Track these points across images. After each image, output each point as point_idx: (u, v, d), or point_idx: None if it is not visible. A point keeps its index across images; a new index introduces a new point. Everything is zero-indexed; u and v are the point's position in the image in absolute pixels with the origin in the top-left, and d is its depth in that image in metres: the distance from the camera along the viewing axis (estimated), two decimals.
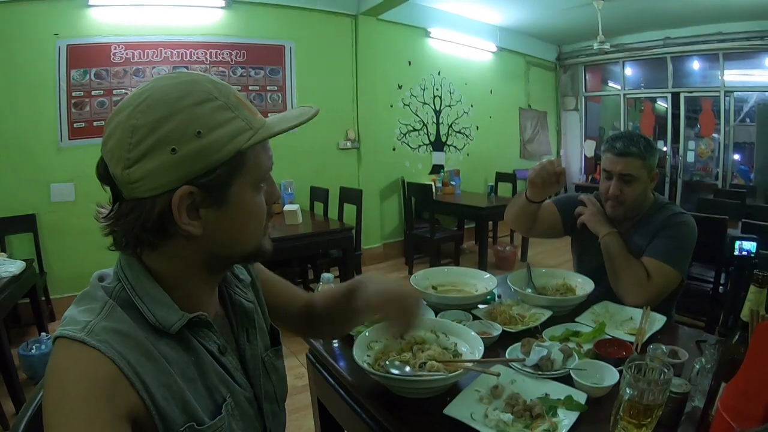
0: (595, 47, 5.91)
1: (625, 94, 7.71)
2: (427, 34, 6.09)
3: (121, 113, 0.69)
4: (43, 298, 3.98)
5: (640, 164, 1.72)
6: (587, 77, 8.15)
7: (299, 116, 0.77)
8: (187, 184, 0.68)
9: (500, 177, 6.61)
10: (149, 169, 0.67)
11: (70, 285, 4.36)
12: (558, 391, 1.06)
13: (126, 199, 0.70)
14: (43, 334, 3.39)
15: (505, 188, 6.51)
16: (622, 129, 7.63)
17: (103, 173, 0.72)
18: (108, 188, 0.73)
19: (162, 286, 0.74)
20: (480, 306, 1.62)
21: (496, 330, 1.39)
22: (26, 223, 4.23)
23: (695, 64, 6.98)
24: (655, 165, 1.76)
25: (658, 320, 1.45)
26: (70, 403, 0.61)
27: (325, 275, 1.51)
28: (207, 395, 0.76)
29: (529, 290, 1.68)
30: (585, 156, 8.04)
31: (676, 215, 1.77)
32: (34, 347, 3.22)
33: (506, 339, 1.35)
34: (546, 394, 1.05)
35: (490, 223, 5.98)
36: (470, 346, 1.22)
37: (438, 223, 5.49)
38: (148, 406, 0.66)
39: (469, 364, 1.12)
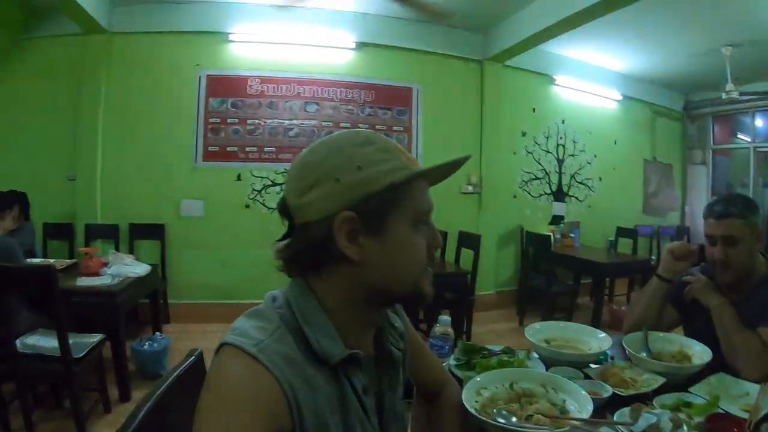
0: (723, 96, 5.56)
1: (755, 147, 7.16)
2: (552, 81, 6.03)
3: (300, 156, 0.83)
4: (162, 302, 4.31)
5: (740, 224, 1.66)
6: (715, 128, 7.65)
7: (450, 159, 0.84)
8: (348, 210, 0.76)
9: (621, 232, 6.30)
10: (317, 195, 0.77)
11: (188, 293, 4.75)
12: None
13: (297, 226, 0.81)
14: (157, 333, 3.71)
15: (625, 244, 6.18)
16: (750, 185, 7.09)
17: (282, 208, 0.84)
18: (286, 222, 0.85)
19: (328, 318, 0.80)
20: (592, 365, 1.57)
21: (607, 391, 1.34)
22: (156, 232, 4.67)
23: None
24: (758, 223, 1.69)
25: None
26: (231, 407, 0.66)
27: (443, 318, 1.57)
28: (344, 431, 0.79)
29: (644, 354, 1.60)
30: None
31: None
32: (147, 344, 3.48)
33: (616, 402, 1.30)
34: None
35: (608, 279, 5.69)
36: (579, 404, 1.18)
37: (554, 275, 5.28)
38: (296, 428, 0.70)
39: (576, 422, 1.09)
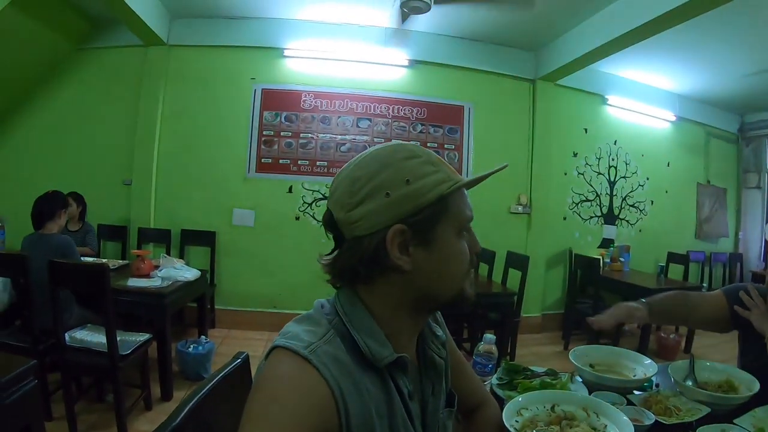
0: None
1: None
2: (604, 101, 5.94)
3: (345, 170, 0.85)
4: (209, 307, 4.42)
5: None
6: None
7: (489, 170, 0.87)
8: (399, 223, 0.79)
9: (671, 257, 6.09)
10: (368, 210, 0.79)
11: (234, 300, 4.85)
12: None
13: (347, 239, 0.83)
14: (202, 337, 3.78)
15: (676, 270, 5.99)
16: None
17: (328, 221, 0.86)
18: (331, 235, 0.87)
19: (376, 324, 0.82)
20: (636, 392, 1.54)
21: (649, 419, 1.32)
22: (207, 239, 4.79)
23: None
24: None
25: None
26: (281, 407, 0.68)
27: (488, 336, 1.57)
28: None
29: (690, 383, 1.57)
30: (766, 240, 7.21)
31: None
32: (191, 346, 3.57)
33: (658, 430, 1.29)
34: None
35: None
36: (620, 430, 1.16)
37: (602, 300, 5.16)
38: (342, 429, 0.72)
39: None
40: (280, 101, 4.94)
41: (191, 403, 0.93)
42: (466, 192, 0.88)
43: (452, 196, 0.83)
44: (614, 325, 1.71)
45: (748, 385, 1.54)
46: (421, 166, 0.81)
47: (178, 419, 0.87)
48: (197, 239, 4.80)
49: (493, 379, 1.53)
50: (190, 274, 3.54)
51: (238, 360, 1.18)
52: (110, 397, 2.96)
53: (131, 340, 2.84)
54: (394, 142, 0.89)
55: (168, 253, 4.54)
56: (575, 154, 5.78)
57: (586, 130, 5.84)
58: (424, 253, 0.81)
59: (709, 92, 6.42)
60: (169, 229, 4.77)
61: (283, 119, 4.92)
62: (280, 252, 4.91)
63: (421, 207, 0.79)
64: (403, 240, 0.80)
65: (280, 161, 4.92)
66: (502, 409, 1.19)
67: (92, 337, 2.78)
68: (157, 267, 3.53)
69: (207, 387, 1.00)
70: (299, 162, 4.93)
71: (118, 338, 2.64)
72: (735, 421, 1.39)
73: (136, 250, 4.06)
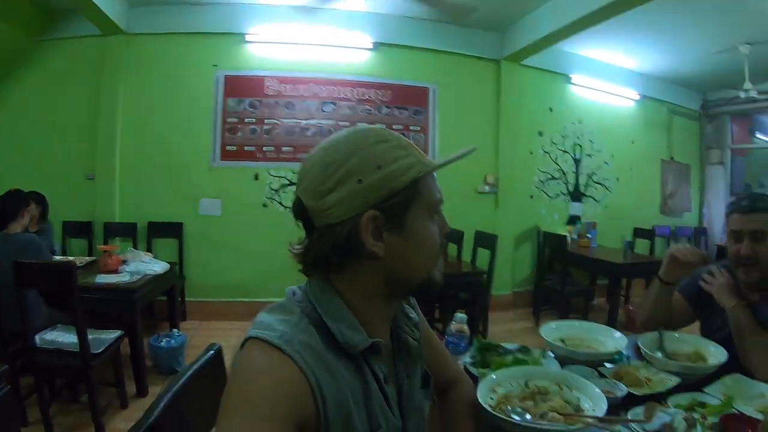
0: (741, 95, 5.50)
1: None
2: (568, 80, 6.02)
3: (314, 156, 0.83)
4: (179, 299, 4.35)
5: None
6: (733, 128, 7.55)
7: (458, 152, 0.86)
8: (371, 209, 0.78)
9: (638, 233, 6.27)
10: (340, 197, 0.78)
11: (205, 291, 4.80)
12: None
13: (317, 227, 0.81)
14: (174, 330, 3.73)
15: (642, 245, 6.16)
16: None
17: (298, 209, 0.84)
18: (300, 223, 0.85)
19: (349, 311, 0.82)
20: (607, 365, 1.58)
21: (621, 391, 1.35)
22: (174, 230, 4.74)
23: None
24: None
25: None
26: (257, 398, 0.68)
27: (459, 315, 1.60)
28: (367, 420, 0.80)
29: (659, 354, 1.61)
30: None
31: None
32: (164, 340, 3.53)
33: (630, 401, 1.31)
34: None
35: (624, 281, 5.70)
36: (593, 402, 1.19)
37: (570, 276, 5.27)
38: (320, 417, 0.72)
39: (590, 420, 1.10)
40: (243, 87, 4.88)
41: (165, 399, 0.92)
42: (435, 174, 0.87)
43: (423, 179, 0.82)
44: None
45: (716, 355, 1.59)
46: (391, 151, 0.80)
47: (154, 416, 0.87)
48: (164, 231, 4.73)
49: (466, 358, 1.54)
50: (159, 267, 3.50)
51: (211, 352, 1.18)
52: (85, 398, 2.88)
53: (103, 338, 2.78)
54: (361, 125, 0.88)
55: (135, 247, 4.45)
56: (541, 133, 5.84)
57: (551, 109, 5.91)
58: (397, 239, 0.80)
59: (672, 71, 6.55)
60: (135, 222, 4.69)
61: (246, 105, 4.86)
62: (249, 240, 4.87)
63: (394, 192, 0.79)
64: (376, 226, 0.79)
65: (245, 148, 4.86)
66: (476, 387, 1.20)
67: (63, 337, 2.72)
68: (124, 262, 3.46)
69: (180, 381, 1.00)
70: (264, 148, 4.88)
71: (89, 337, 2.59)
72: (705, 389, 1.43)
73: (102, 246, 3.99)
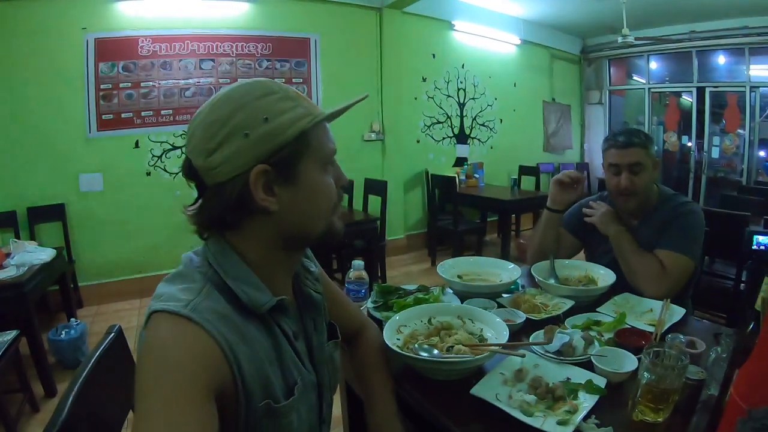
0: (619, 40, 5.84)
1: (649, 88, 7.61)
2: (451, 26, 6.11)
3: (199, 115, 0.80)
4: (72, 286, 4.10)
5: (644, 153, 1.78)
6: (612, 71, 8.07)
7: (350, 101, 0.86)
8: (261, 164, 0.76)
9: (524, 170, 6.61)
10: (227, 154, 0.75)
11: (98, 273, 4.52)
12: (579, 375, 1.10)
13: (209, 186, 0.79)
14: (72, 320, 3.47)
15: (528, 182, 6.50)
16: (646, 123, 7.58)
17: (188, 170, 0.82)
18: (193, 184, 0.83)
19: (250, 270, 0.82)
20: (504, 295, 1.64)
21: (520, 318, 1.42)
22: (55, 213, 4.36)
23: (721, 59, 6.84)
24: (655, 154, 1.83)
25: (678, 312, 1.48)
26: (172, 370, 0.66)
27: (357, 262, 1.60)
28: (282, 377, 0.82)
29: (552, 280, 1.70)
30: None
31: (683, 204, 1.81)
32: (63, 332, 3.31)
33: (530, 327, 1.38)
34: (567, 378, 1.10)
35: (513, 216, 6.01)
36: (495, 331, 1.25)
37: (461, 215, 5.52)
38: (237, 383, 0.72)
39: (495, 348, 1.16)
40: (115, 50, 4.52)
41: (73, 393, 0.88)
42: (328, 125, 0.86)
43: (314, 130, 0.81)
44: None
45: (605, 277, 1.70)
46: (278, 103, 0.78)
47: (65, 413, 0.83)
48: (46, 215, 4.33)
49: (369, 303, 1.54)
50: (46, 254, 3.25)
51: (111, 334, 1.14)
52: None
53: None
54: (250, 80, 0.82)
55: (17, 237, 4.03)
56: (424, 79, 5.95)
57: (434, 55, 6.01)
58: (289, 192, 0.80)
59: (554, 17, 6.82)
60: (14, 210, 4.22)
61: (120, 69, 4.56)
62: (136, 212, 4.63)
63: (282, 145, 0.77)
64: (266, 180, 0.77)
65: (123, 115, 4.55)
66: (382, 330, 1.23)
67: None
68: (8, 255, 3.16)
69: (85, 371, 0.96)
70: (143, 114, 4.62)
71: None
72: (598, 309, 1.54)
73: None
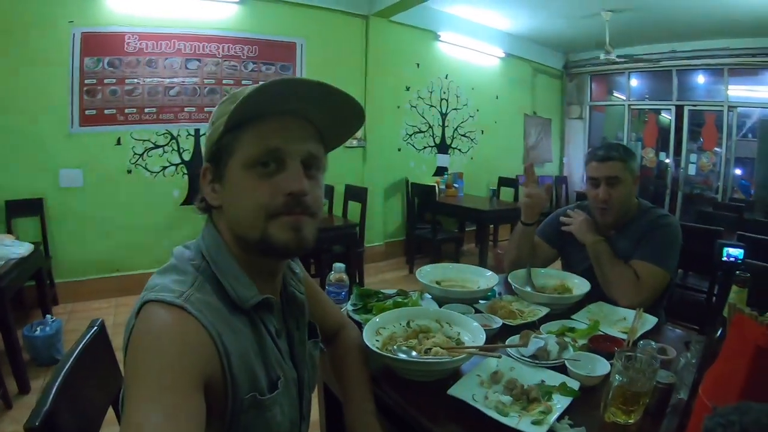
0: (601, 57, 5.97)
1: (629, 105, 7.80)
2: (436, 37, 6.17)
3: None
4: (48, 282, 3.99)
5: (623, 167, 1.83)
6: (593, 86, 8.24)
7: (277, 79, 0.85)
8: (207, 162, 0.86)
9: (503, 181, 6.70)
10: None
11: (75, 270, 4.42)
12: (553, 378, 1.13)
13: None
14: (48, 316, 3.40)
15: (507, 193, 6.59)
16: (625, 139, 7.73)
17: None
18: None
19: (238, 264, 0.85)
20: (481, 301, 1.67)
21: (497, 323, 1.45)
22: (33, 207, 4.26)
23: (700, 78, 7.06)
24: (635, 168, 1.88)
25: (650, 321, 1.52)
26: (164, 359, 0.68)
27: (338, 265, 1.61)
28: (265, 371, 0.84)
29: (529, 288, 1.73)
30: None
31: (661, 217, 1.86)
32: (38, 329, 3.24)
33: (506, 332, 1.41)
34: (542, 381, 1.12)
35: (491, 226, 6.06)
36: (472, 335, 1.28)
37: (440, 224, 5.56)
38: (226, 373, 0.74)
39: (472, 350, 1.18)
40: (101, 45, 4.46)
41: (57, 383, 0.88)
42: (282, 122, 0.83)
43: (245, 129, 0.81)
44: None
45: (580, 286, 1.74)
46: (224, 106, 0.83)
47: (49, 403, 0.82)
48: (24, 209, 4.21)
49: (348, 306, 1.55)
50: (23, 249, 3.17)
51: (95, 328, 1.13)
52: None
53: None
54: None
55: None
56: (408, 88, 6.00)
57: (418, 65, 6.06)
58: (222, 190, 0.84)
59: (538, 32, 6.94)
60: None
61: (105, 65, 4.51)
62: (115, 210, 4.55)
63: (213, 143, 0.84)
64: (210, 178, 0.86)
65: (106, 111, 4.48)
66: (361, 332, 1.24)
67: None
68: None
69: (69, 362, 0.96)
70: (126, 111, 4.55)
71: None
72: (572, 317, 1.58)
73: None
